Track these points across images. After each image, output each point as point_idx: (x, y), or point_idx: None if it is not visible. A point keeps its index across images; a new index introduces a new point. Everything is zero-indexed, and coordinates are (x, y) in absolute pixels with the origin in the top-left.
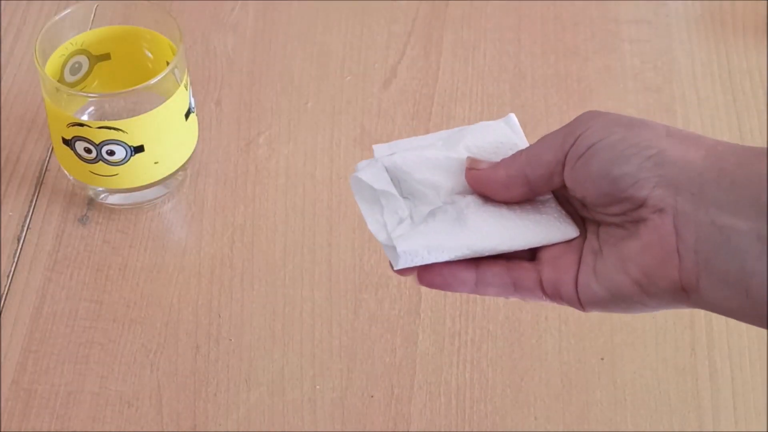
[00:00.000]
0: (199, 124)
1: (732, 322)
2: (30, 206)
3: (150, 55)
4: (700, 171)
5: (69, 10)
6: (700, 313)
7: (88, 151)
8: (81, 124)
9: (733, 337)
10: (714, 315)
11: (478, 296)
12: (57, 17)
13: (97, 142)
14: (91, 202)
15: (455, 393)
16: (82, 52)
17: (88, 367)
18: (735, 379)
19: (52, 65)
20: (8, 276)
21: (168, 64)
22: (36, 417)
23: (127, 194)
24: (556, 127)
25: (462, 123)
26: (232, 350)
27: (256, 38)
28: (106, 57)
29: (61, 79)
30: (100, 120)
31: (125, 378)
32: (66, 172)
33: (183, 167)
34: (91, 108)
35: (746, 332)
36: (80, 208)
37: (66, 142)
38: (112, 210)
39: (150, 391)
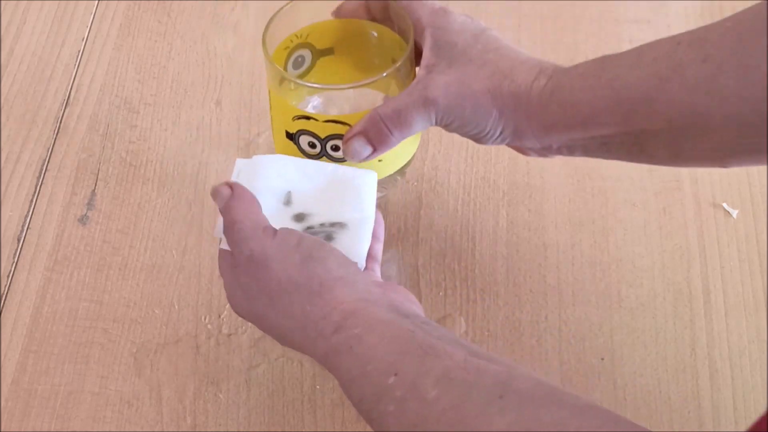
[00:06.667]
0: (198, 123)
1: (732, 322)
2: (30, 206)
3: (375, 50)
4: None
5: (293, 3)
6: (700, 313)
7: (313, 145)
8: (308, 117)
9: (733, 337)
10: (714, 315)
11: (477, 296)
12: (286, 6)
13: (322, 137)
14: (91, 202)
15: None
16: (305, 45)
17: (88, 367)
18: (735, 379)
19: (276, 56)
20: (8, 276)
21: (394, 61)
22: (36, 417)
23: None
24: None
25: None
26: (232, 350)
27: (256, 38)
28: (329, 52)
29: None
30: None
31: (125, 378)
32: None
33: (402, 170)
34: (311, 104)
35: (746, 332)
36: (80, 208)
37: (290, 136)
38: (112, 210)
39: (150, 391)
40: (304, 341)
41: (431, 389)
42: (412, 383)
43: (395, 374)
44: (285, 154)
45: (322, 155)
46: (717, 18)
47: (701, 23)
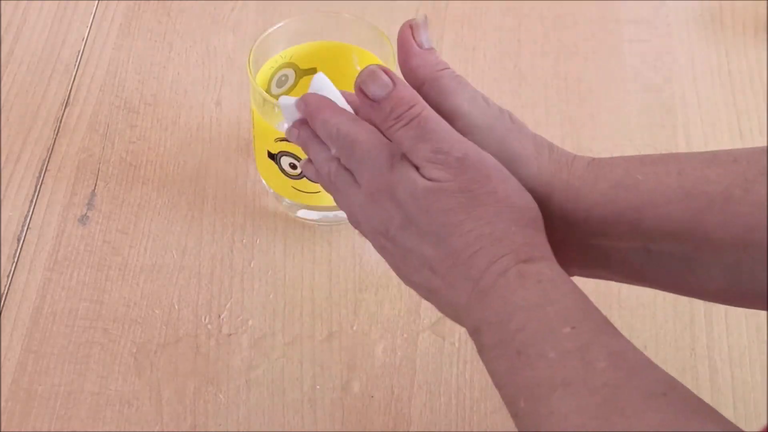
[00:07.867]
0: (198, 123)
1: (732, 322)
2: (30, 206)
3: (356, 71)
4: None
5: (283, 23)
6: (701, 313)
7: (294, 167)
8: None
9: (733, 337)
10: (714, 315)
11: None
12: (272, 29)
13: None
14: (91, 202)
15: (455, 393)
16: (290, 65)
17: (88, 367)
18: (735, 379)
19: (261, 77)
20: (8, 276)
21: None
22: (36, 417)
23: (325, 213)
24: (556, 126)
25: None
26: (232, 350)
27: (256, 38)
28: (312, 71)
29: (267, 91)
30: None
31: (125, 378)
32: (265, 184)
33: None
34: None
35: (746, 332)
36: (80, 208)
37: (271, 156)
38: (112, 210)
39: (150, 391)
40: (485, 257)
41: (602, 360)
42: (586, 345)
43: (572, 327)
44: (266, 173)
45: (302, 176)
46: (717, 18)
47: (701, 23)
